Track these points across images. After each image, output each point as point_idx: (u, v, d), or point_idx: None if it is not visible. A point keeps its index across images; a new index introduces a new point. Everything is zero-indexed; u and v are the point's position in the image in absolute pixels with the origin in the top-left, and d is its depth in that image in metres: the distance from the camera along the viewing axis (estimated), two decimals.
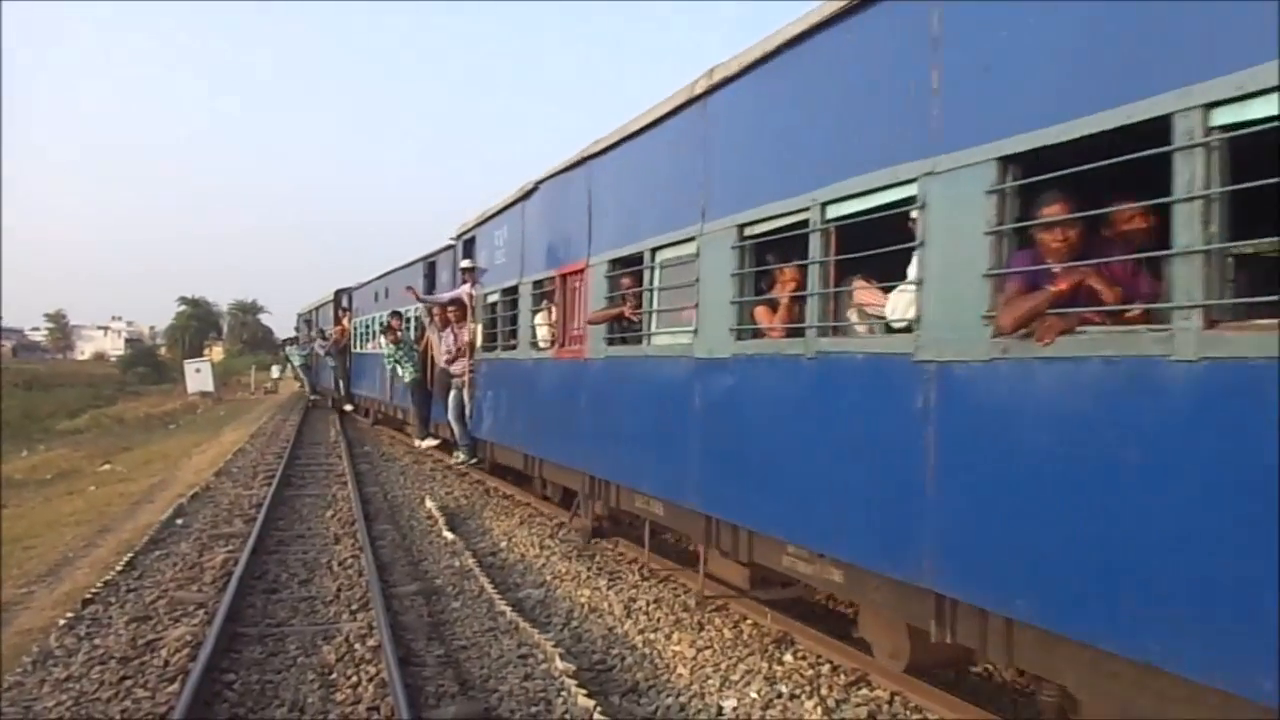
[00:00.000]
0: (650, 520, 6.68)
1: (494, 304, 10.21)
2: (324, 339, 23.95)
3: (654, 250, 6.20)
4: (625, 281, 6.82)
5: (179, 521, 9.66)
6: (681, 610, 6.21)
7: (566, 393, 7.84)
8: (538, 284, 8.75)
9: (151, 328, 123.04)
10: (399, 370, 13.56)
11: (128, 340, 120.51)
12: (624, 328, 6.81)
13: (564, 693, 4.72)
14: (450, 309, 11.12)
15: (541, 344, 8.55)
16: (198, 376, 42.24)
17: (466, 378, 10.91)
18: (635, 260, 6.56)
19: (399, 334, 13.51)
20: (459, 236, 12.10)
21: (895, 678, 4.69)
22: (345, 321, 22.51)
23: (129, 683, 4.98)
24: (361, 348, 20.70)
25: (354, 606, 6.40)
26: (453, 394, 11.11)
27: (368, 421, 21.55)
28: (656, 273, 6.20)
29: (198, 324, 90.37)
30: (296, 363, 29.80)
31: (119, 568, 7.52)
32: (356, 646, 5.53)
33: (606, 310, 6.94)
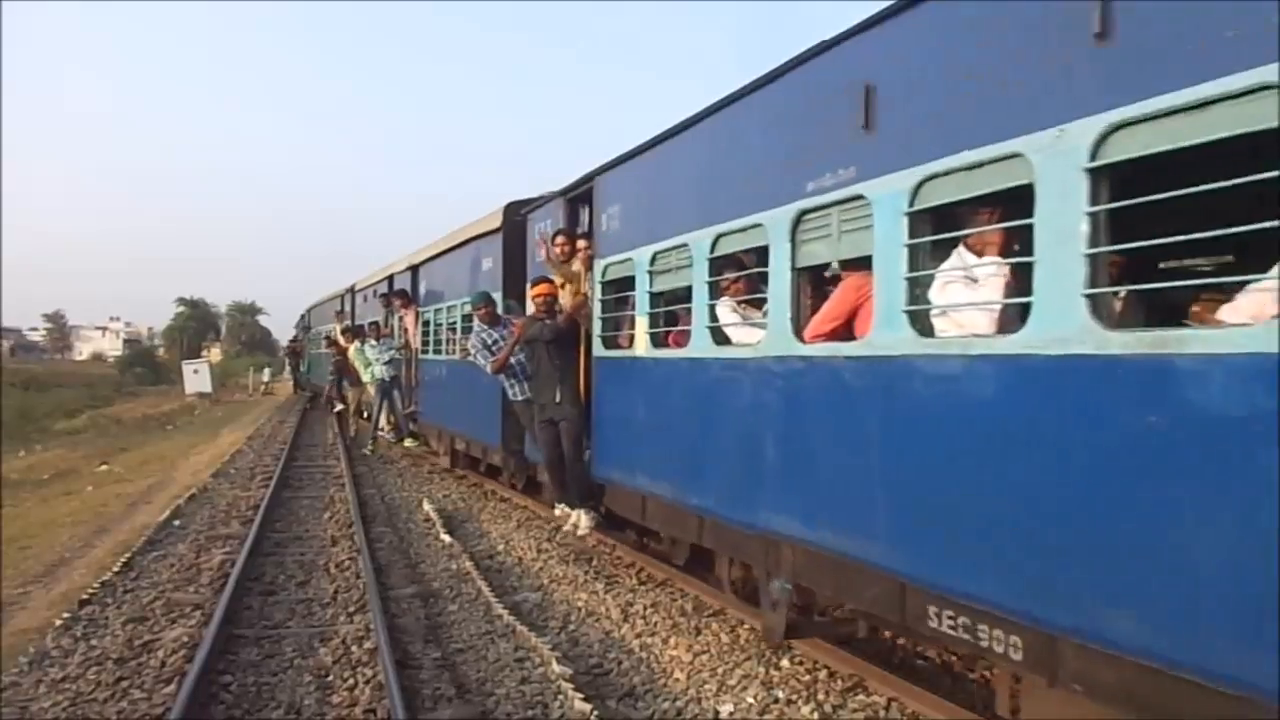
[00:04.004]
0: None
1: None
2: (497, 319, 8.57)
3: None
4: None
5: (176, 523, 9.65)
6: (679, 615, 6.21)
7: None
8: None
9: (150, 328, 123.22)
10: None
11: (126, 341, 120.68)
12: None
13: (561, 696, 4.73)
14: None
15: None
16: (196, 377, 42.15)
17: None
18: None
19: None
20: None
21: (892, 683, 4.70)
22: (578, 252, 7.85)
23: (125, 684, 4.99)
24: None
25: (351, 609, 6.40)
26: None
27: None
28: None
29: (196, 325, 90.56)
30: (377, 373, 15.03)
31: (116, 568, 7.52)
32: (353, 649, 5.53)
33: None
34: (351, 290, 22.15)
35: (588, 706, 4.49)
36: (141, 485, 15.04)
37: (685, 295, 5.75)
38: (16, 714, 4.66)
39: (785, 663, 5.23)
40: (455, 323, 11.77)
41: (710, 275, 5.43)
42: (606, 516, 7.31)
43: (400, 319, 15.49)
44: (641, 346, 6.36)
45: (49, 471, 20.34)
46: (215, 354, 76.89)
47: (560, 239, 7.99)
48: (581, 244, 7.76)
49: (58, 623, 6.10)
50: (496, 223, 10.22)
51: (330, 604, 6.56)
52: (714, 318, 5.42)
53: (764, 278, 4.94)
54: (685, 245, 5.72)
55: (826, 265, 4.68)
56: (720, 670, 5.17)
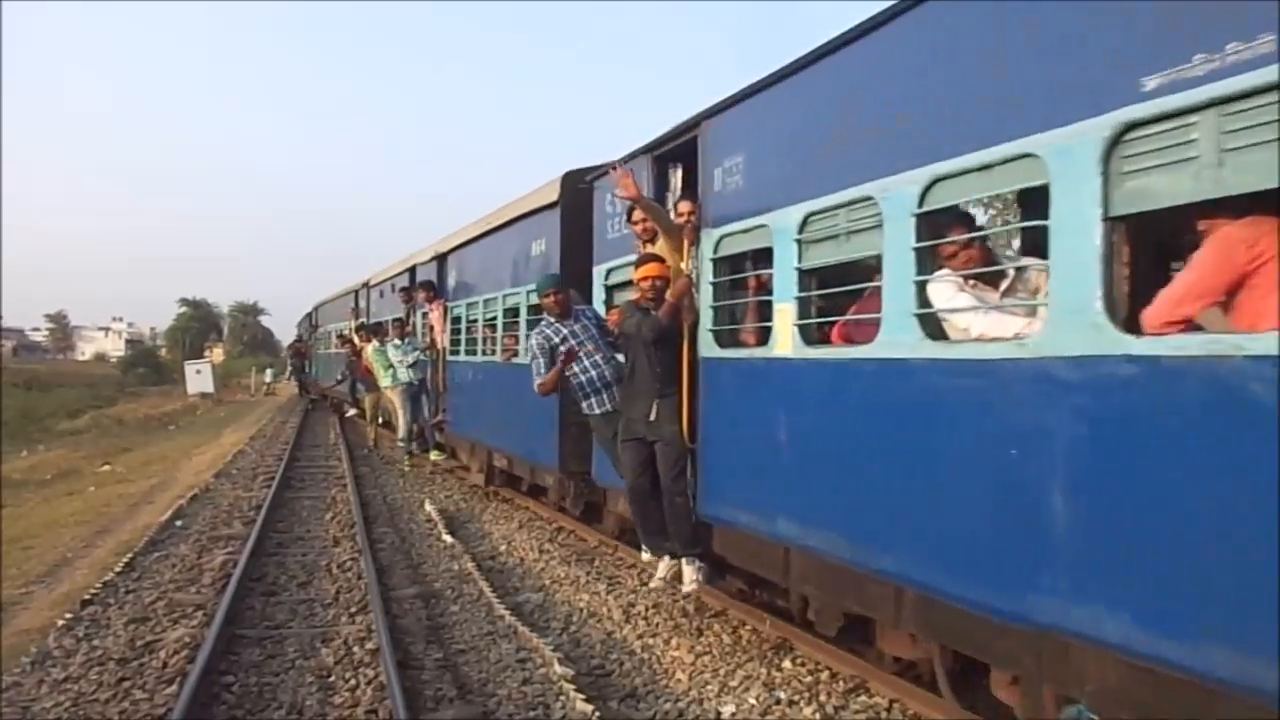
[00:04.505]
0: None
1: None
2: (570, 310, 6.29)
3: None
4: None
5: (178, 523, 9.65)
6: (680, 616, 6.21)
7: None
8: None
9: (152, 329, 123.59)
10: None
11: (128, 341, 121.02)
12: None
13: (562, 697, 4.72)
14: None
15: None
16: (198, 378, 42.19)
17: None
18: None
19: None
20: None
21: (894, 685, 4.69)
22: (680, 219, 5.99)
23: (127, 684, 4.99)
24: None
25: (353, 609, 6.39)
26: None
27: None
28: None
29: (198, 325, 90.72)
30: (402, 376, 13.04)
31: (118, 569, 7.52)
32: (355, 649, 5.53)
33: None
34: (366, 285, 19.90)
35: (589, 707, 4.48)
36: (144, 485, 15.06)
37: (864, 271, 4.32)
38: (18, 714, 4.66)
39: (787, 664, 5.23)
40: (495, 318, 9.99)
41: (918, 239, 3.75)
42: (712, 563, 5.67)
43: (424, 315, 13.50)
44: (786, 343, 4.65)
45: (51, 471, 20.36)
46: (217, 354, 76.81)
47: (641, 214, 5.91)
48: (684, 208, 5.86)
49: (60, 623, 6.10)
50: (553, 196, 8.27)
51: (332, 604, 6.55)
52: (924, 301, 3.76)
53: (1020, 238, 3.48)
54: (869, 200, 4.03)
55: (1138, 215, 2.95)
56: (722, 671, 5.16)
